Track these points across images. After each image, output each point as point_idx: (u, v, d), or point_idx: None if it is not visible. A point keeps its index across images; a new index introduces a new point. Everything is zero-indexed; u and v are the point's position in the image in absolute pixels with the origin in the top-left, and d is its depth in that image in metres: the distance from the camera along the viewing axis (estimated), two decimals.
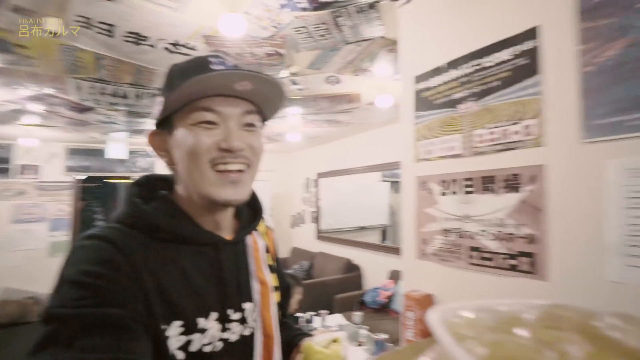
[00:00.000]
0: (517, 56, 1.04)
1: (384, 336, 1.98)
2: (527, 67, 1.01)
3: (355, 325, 2.52)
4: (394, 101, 2.96)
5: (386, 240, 4.85)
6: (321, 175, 5.66)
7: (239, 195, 0.63)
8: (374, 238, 5.01)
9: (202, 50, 2.13)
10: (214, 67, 0.62)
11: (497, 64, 1.09)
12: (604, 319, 0.24)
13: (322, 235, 5.57)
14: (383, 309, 3.79)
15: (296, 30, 1.91)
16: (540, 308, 0.27)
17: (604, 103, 0.84)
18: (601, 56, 0.85)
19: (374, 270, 4.48)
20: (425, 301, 1.23)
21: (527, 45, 1.02)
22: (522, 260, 1.01)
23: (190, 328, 0.57)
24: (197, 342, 0.58)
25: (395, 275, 3.92)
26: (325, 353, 0.73)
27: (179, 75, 0.63)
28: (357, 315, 2.65)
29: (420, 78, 1.34)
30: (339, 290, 4.15)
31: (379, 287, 3.96)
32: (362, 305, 3.89)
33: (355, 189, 5.19)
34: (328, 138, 5.25)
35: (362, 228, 5.19)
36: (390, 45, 2.07)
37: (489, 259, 1.09)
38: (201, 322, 0.59)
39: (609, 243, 0.84)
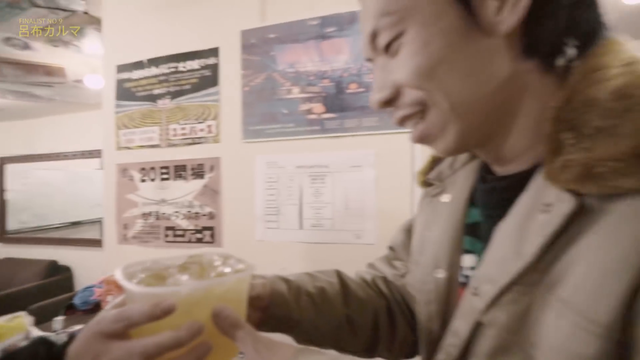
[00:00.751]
0: (203, 67, 1.27)
1: (79, 327, 1.89)
2: (210, 78, 1.26)
3: (54, 334, 2.23)
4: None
5: None
6: (8, 160, 4.45)
7: None
8: (93, 233, 4.44)
9: None
10: None
11: (189, 71, 1.29)
12: (214, 256, 0.46)
13: (9, 237, 4.42)
14: (98, 307, 3.48)
15: None
16: (188, 256, 0.47)
17: (254, 115, 1.19)
18: (253, 81, 1.19)
19: (90, 268, 4.00)
20: None
21: (211, 61, 1.27)
22: (206, 233, 1.26)
23: None
24: None
25: None
26: (8, 326, 0.72)
27: None
28: (58, 321, 2.35)
29: (122, 68, 1.38)
30: (38, 299, 3.46)
31: (93, 286, 3.59)
32: (70, 309, 3.41)
33: (64, 178, 4.41)
34: (20, 114, 4.19)
35: (76, 223, 4.50)
36: (97, 24, 1.93)
37: (182, 235, 1.29)
38: None
39: (257, 214, 1.20)
